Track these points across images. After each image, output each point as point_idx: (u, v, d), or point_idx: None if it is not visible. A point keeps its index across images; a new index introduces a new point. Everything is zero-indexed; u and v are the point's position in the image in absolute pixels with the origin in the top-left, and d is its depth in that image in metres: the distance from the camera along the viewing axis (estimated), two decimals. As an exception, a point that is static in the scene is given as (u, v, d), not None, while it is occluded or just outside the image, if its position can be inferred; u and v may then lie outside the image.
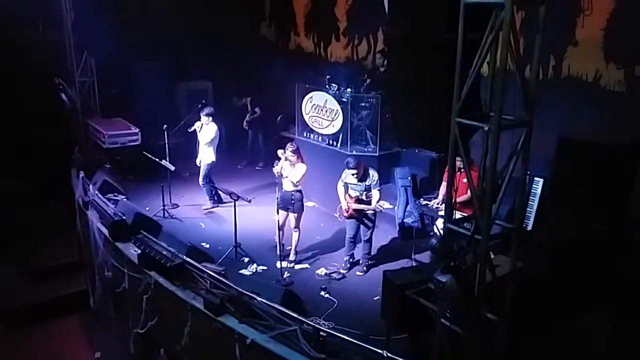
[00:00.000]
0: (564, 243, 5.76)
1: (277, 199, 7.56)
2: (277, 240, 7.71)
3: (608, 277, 5.70)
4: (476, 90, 4.26)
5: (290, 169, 7.52)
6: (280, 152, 7.58)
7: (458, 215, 5.58)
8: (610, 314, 5.36)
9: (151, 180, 9.80)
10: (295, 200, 7.54)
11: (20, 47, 11.65)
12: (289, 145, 7.57)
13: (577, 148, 6.42)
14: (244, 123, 11.62)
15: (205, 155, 9.42)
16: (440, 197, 7.33)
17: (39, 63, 11.43)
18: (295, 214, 7.65)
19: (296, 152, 7.49)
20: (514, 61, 3.97)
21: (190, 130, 9.45)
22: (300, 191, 7.60)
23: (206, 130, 9.32)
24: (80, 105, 11.13)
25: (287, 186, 7.57)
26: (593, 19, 7.52)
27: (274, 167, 7.56)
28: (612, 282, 5.68)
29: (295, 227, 7.77)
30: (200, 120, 9.34)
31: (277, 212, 7.66)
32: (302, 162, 7.55)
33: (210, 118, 9.33)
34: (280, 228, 7.73)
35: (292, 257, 7.90)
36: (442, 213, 7.36)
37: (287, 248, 7.89)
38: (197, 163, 9.52)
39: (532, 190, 7.06)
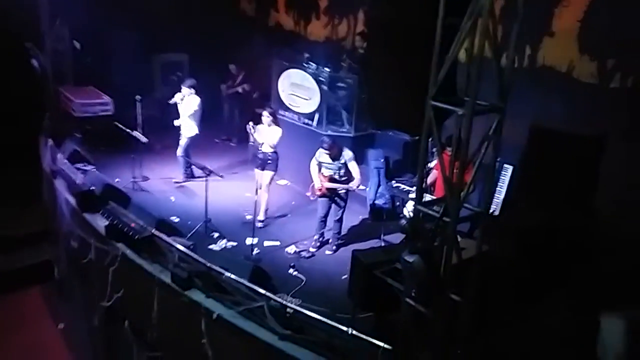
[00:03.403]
0: (530, 229, 5.87)
1: (255, 157, 8.25)
2: (256, 200, 7.72)
3: (572, 263, 5.85)
4: (452, 75, 4.28)
5: (267, 133, 8.01)
6: (249, 126, 8.16)
7: (428, 198, 5.67)
8: (570, 300, 5.51)
9: (122, 151, 9.60)
10: (272, 160, 8.07)
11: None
12: (266, 109, 8.25)
13: (547, 137, 6.52)
14: (223, 88, 11.45)
15: (187, 128, 9.30)
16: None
17: (9, 27, 11.08)
18: (271, 173, 8.12)
19: (273, 115, 8.13)
20: (491, 48, 4.00)
21: (171, 103, 9.29)
22: (276, 152, 8.11)
23: (188, 102, 9.19)
24: (52, 72, 10.82)
25: (265, 148, 8.05)
26: (570, 11, 7.59)
27: (249, 129, 8.16)
28: (575, 268, 5.84)
29: (266, 187, 8.19)
30: (181, 92, 9.19)
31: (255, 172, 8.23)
32: (278, 125, 8.14)
33: (193, 90, 9.20)
34: (260, 187, 8.04)
35: (261, 216, 8.16)
36: (413, 195, 7.45)
37: (261, 219, 8.15)
38: (179, 132, 9.40)
39: (501, 177, 7.17)
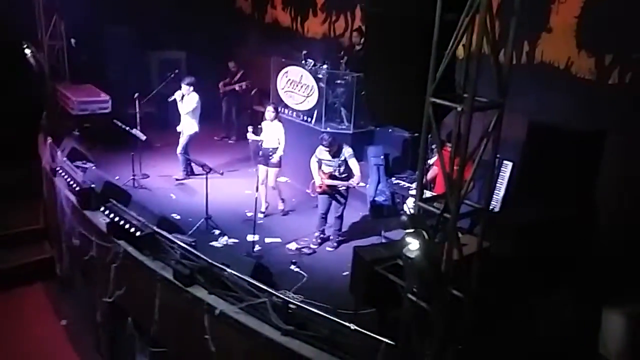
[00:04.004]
0: (530, 225, 5.91)
1: (258, 154, 8.38)
2: (258, 196, 7.75)
3: (572, 260, 5.89)
4: (451, 72, 4.31)
5: (270, 128, 8.20)
6: (249, 133, 8.40)
7: (428, 194, 5.71)
8: (571, 296, 5.56)
9: (121, 149, 9.65)
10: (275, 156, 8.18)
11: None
12: (271, 104, 8.47)
13: (546, 133, 6.55)
14: (221, 85, 11.46)
15: (187, 126, 9.33)
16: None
17: (5, 25, 11.06)
18: (275, 169, 8.26)
19: (275, 110, 8.32)
20: (489, 44, 4.03)
21: (170, 100, 9.31)
22: (279, 147, 8.23)
23: (187, 100, 9.21)
24: (49, 70, 10.82)
25: (268, 144, 8.24)
26: (567, 7, 7.60)
27: (249, 133, 8.42)
28: (575, 265, 5.88)
29: (273, 185, 8.36)
30: (180, 90, 9.21)
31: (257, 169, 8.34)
32: (280, 121, 8.33)
33: (192, 88, 9.22)
34: (263, 182, 8.25)
35: (280, 206, 8.57)
36: (413, 192, 7.49)
37: (263, 211, 8.38)
38: (179, 131, 9.44)
39: (501, 173, 7.21)
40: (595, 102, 7.17)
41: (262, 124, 8.39)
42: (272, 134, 8.22)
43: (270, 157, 8.21)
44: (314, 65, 9.59)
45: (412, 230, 4.26)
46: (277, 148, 8.21)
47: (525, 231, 5.82)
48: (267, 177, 8.36)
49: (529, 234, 5.74)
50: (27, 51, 11.03)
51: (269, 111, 8.27)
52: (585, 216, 6.18)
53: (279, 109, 8.73)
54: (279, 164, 8.30)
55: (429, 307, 4.32)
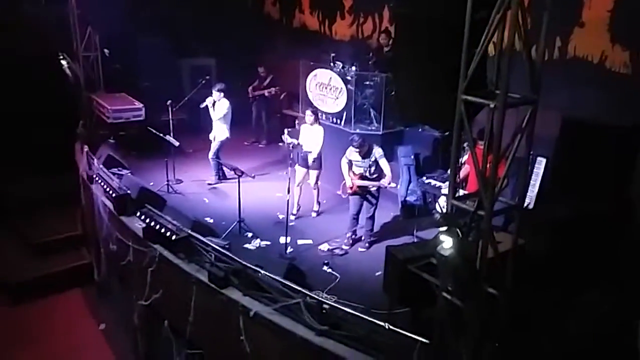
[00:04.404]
0: (565, 222, 5.82)
1: (296, 156, 8.33)
2: (290, 198, 7.78)
3: (608, 257, 5.78)
4: (482, 69, 4.28)
5: (309, 132, 8.30)
6: (285, 135, 8.54)
7: (460, 193, 5.67)
8: (608, 293, 5.45)
9: (155, 155, 9.86)
10: (316, 158, 8.31)
11: (23, 22, 11.63)
12: (308, 109, 8.51)
13: (580, 128, 6.43)
14: (250, 90, 11.58)
15: (219, 131, 9.47)
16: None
17: (42, 37, 11.41)
18: (316, 171, 8.38)
19: (315, 114, 8.39)
20: (520, 40, 4.00)
21: (202, 107, 9.45)
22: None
23: (218, 106, 9.36)
24: (84, 80, 11.12)
25: (307, 147, 8.32)
26: (600, 1, 7.49)
27: (284, 135, 8.60)
28: (611, 262, 5.77)
29: (315, 184, 8.50)
30: (211, 96, 9.36)
31: (294, 169, 8.28)
32: (320, 124, 8.41)
33: (222, 94, 9.35)
34: (299, 184, 8.46)
35: (315, 207, 8.71)
36: (445, 191, 7.44)
37: (294, 213, 8.46)
38: (211, 138, 9.57)
39: (535, 170, 7.11)
40: (630, 96, 7.03)
41: (301, 127, 8.49)
42: (312, 137, 8.30)
43: (313, 161, 8.32)
44: (343, 67, 9.62)
45: (445, 229, 4.24)
46: (319, 152, 8.30)
47: (560, 228, 5.74)
48: (304, 179, 8.48)
49: (564, 231, 5.65)
50: (63, 62, 11.32)
51: (308, 115, 8.36)
52: (621, 212, 6.04)
53: (319, 113, 8.76)
54: (319, 166, 8.41)
55: (464, 305, 4.30)
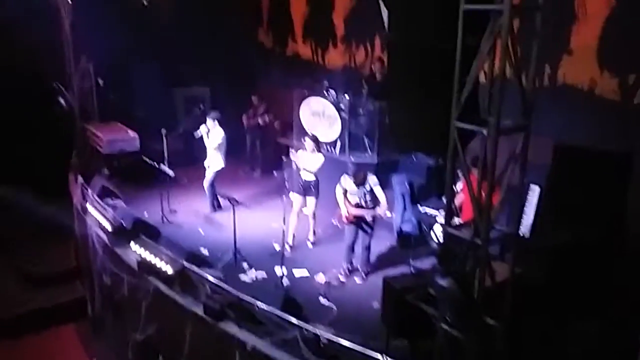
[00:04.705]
0: (560, 250, 5.80)
1: (292, 184, 8.29)
2: (285, 228, 7.76)
3: (602, 285, 5.74)
4: (474, 96, 4.33)
5: (308, 159, 8.19)
6: (292, 151, 8.50)
7: (456, 221, 5.66)
8: (602, 322, 5.41)
9: (149, 185, 9.80)
10: (314, 186, 8.24)
11: (17, 50, 11.67)
12: (307, 136, 8.41)
13: (572, 155, 6.46)
14: (244, 119, 11.60)
15: (214, 160, 9.44)
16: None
17: (36, 66, 11.46)
18: (314, 199, 8.30)
19: (315, 141, 8.26)
20: (511, 67, 4.05)
21: (197, 136, 9.41)
22: (317, 178, 8.29)
23: (213, 134, 9.34)
24: (79, 110, 11.13)
25: (306, 176, 8.24)
26: (587, 28, 7.61)
27: (291, 154, 8.44)
28: (605, 290, 5.73)
29: (312, 212, 8.40)
30: (206, 125, 9.36)
31: (289, 198, 8.19)
32: (320, 152, 8.32)
33: (217, 122, 9.33)
34: (296, 212, 8.34)
35: (311, 237, 8.56)
36: (440, 219, 7.43)
37: (290, 242, 8.32)
38: (206, 166, 9.52)
39: (529, 198, 7.11)
40: (621, 123, 7.09)
41: (299, 154, 8.33)
42: (311, 165, 8.21)
43: (311, 188, 8.25)
44: (336, 96, 9.68)
45: (441, 258, 4.23)
46: (315, 179, 8.23)
47: (557, 256, 5.71)
48: (301, 207, 8.39)
49: (560, 259, 5.63)
50: (57, 92, 11.37)
51: (308, 142, 8.27)
52: (616, 240, 6.03)
53: (319, 141, 8.55)
54: (317, 193, 8.33)
55: (462, 335, 4.25)
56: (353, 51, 11.65)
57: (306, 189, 8.31)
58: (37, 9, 11.57)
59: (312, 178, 8.24)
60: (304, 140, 8.44)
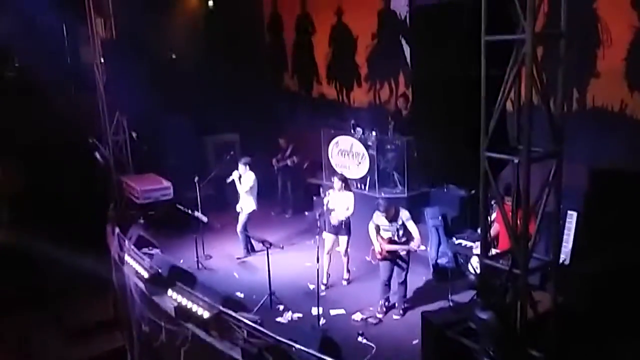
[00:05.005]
0: (602, 275, 5.62)
1: (324, 224, 8.27)
2: (319, 267, 7.66)
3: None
4: (503, 125, 4.32)
5: (338, 198, 8.20)
6: (323, 192, 8.61)
7: (493, 252, 5.55)
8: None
9: (184, 232, 9.94)
10: (345, 225, 8.21)
11: (56, 109, 12.15)
12: (335, 177, 8.43)
13: (608, 178, 6.34)
14: (274, 161, 11.74)
15: (246, 204, 9.57)
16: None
17: (72, 125, 11.88)
18: (346, 237, 8.28)
19: (344, 180, 8.30)
20: (538, 94, 4.04)
21: (229, 181, 9.57)
22: (348, 216, 8.24)
23: (244, 179, 9.50)
24: (114, 163, 11.46)
25: (338, 216, 8.20)
26: (613, 50, 7.57)
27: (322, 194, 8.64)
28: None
29: (345, 251, 8.37)
30: (237, 170, 9.53)
31: (322, 237, 8.15)
32: (350, 190, 8.33)
33: (247, 167, 9.51)
34: (329, 252, 8.29)
35: (345, 275, 8.55)
36: (477, 251, 7.30)
37: (325, 282, 8.29)
38: (238, 210, 9.64)
39: (567, 224, 6.95)
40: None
41: (328, 193, 8.36)
42: (341, 204, 8.23)
43: (342, 227, 8.23)
44: (363, 133, 9.76)
45: (480, 290, 4.14)
46: (347, 217, 8.21)
47: (599, 282, 5.54)
48: (333, 246, 8.37)
49: (603, 285, 5.46)
50: (93, 147, 11.74)
51: (337, 181, 8.29)
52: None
53: (348, 180, 8.62)
54: (349, 232, 8.30)
55: (508, 370, 4.12)
56: (377, 89, 11.78)
57: (338, 228, 8.29)
58: (72, 71, 12.16)
59: (342, 217, 8.21)
60: (332, 180, 8.49)
